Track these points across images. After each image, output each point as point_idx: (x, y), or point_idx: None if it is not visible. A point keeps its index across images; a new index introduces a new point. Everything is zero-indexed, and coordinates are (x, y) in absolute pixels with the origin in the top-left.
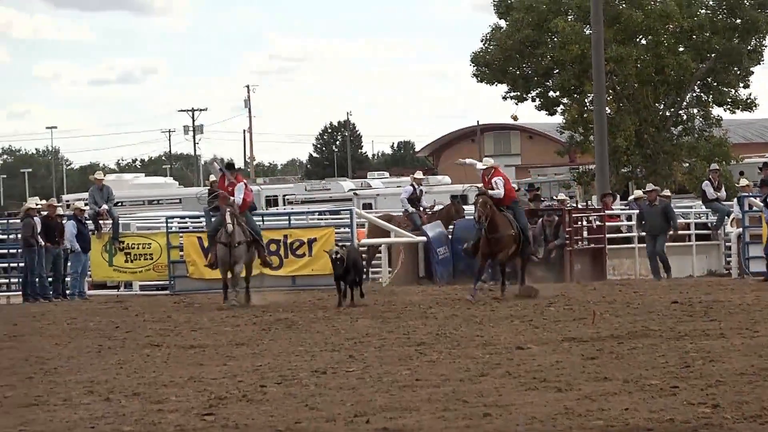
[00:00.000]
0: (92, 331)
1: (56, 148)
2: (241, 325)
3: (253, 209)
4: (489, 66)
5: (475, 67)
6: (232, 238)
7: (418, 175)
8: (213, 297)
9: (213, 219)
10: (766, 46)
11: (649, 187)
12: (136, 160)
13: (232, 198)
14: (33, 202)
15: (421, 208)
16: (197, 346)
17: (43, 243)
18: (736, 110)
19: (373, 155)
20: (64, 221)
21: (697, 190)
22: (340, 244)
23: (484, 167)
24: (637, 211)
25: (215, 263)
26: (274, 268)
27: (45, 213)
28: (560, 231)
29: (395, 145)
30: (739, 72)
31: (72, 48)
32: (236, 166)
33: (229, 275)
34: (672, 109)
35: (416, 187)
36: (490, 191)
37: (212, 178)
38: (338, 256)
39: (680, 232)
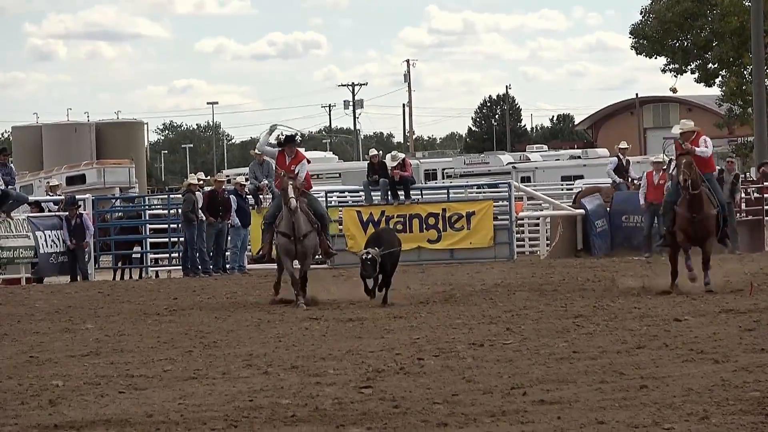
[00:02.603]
0: (251, 305)
1: (217, 123)
2: (397, 297)
3: (412, 183)
4: (648, 38)
5: (635, 40)
6: (297, 230)
7: (623, 145)
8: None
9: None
10: None
11: None
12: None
13: (292, 179)
14: (194, 177)
15: (629, 179)
16: (355, 319)
17: (204, 218)
18: None
19: (532, 128)
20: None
21: None
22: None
23: (681, 131)
24: None
25: (266, 255)
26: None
27: (209, 188)
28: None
29: (554, 118)
30: None
31: (233, 23)
32: (297, 140)
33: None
34: None
35: (621, 157)
36: (696, 149)
37: (372, 152)
38: (369, 257)
39: None
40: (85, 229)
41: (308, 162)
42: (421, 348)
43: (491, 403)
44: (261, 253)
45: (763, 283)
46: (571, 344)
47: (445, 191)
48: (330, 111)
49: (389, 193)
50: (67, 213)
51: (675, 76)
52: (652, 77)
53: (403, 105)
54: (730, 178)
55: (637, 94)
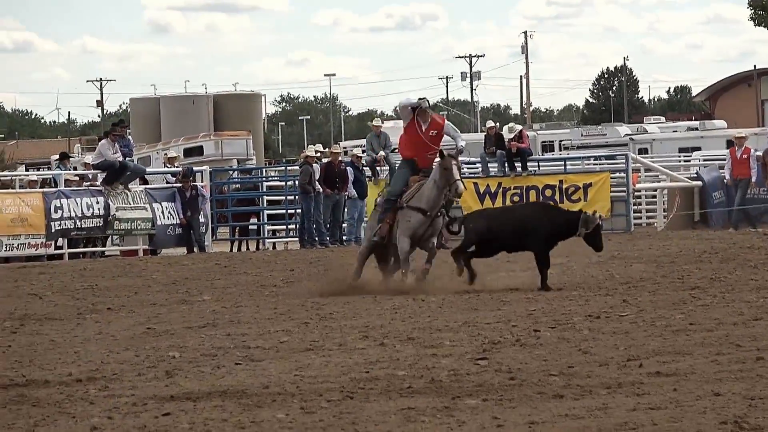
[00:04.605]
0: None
1: (334, 95)
2: (516, 270)
3: (529, 155)
4: (767, 9)
5: (753, 11)
6: (435, 207)
7: None
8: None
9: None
10: None
11: None
12: None
13: (455, 159)
14: (312, 149)
15: None
16: (472, 291)
17: (321, 190)
18: None
19: (650, 100)
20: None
21: None
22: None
23: None
24: None
25: (386, 237)
26: None
27: (326, 160)
28: None
29: (671, 90)
30: None
31: None
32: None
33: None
34: None
35: None
36: None
37: (489, 123)
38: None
39: None
40: (199, 200)
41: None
42: (537, 320)
43: (607, 375)
44: (379, 236)
45: None
46: (687, 316)
47: (562, 163)
48: (447, 83)
49: (506, 164)
50: (181, 185)
51: None
52: None
53: (521, 77)
54: None
55: (755, 66)
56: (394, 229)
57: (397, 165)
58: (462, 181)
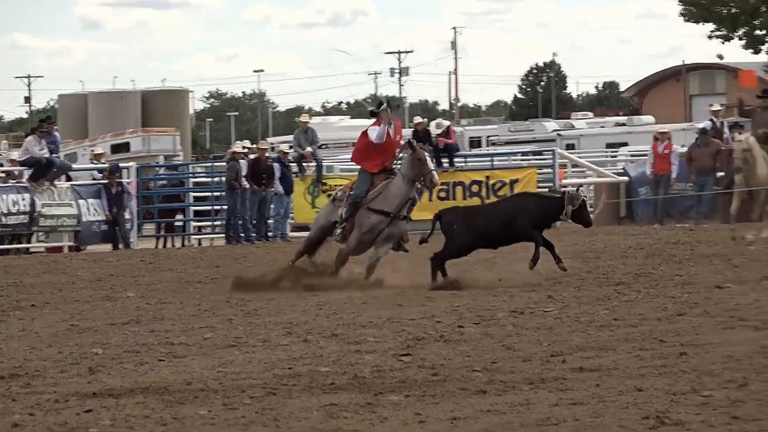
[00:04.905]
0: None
1: (263, 91)
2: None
3: (456, 151)
4: (696, 5)
5: (683, 6)
6: (397, 209)
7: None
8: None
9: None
10: None
11: None
12: (342, 102)
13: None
14: (239, 145)
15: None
16: (397, 287)
17: (248, 186)
18: None
19: (578, 96)
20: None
21: None
22: None
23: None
24: None
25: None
26: None
27: (254, 156)
28: None
29: (600, 86)
30: None
31: None
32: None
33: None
34: None
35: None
36: None
37: (417, 119)
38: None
39: None
40: (125, 197)
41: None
42: (461, 315)
43: (530, 371)
44: (343, 234)
45: None
46: (611, 312)
47: (490, 159)
48: (376, 78)
49: (433, 160)
50: (107, 182)
51: (722, 42)
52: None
53: (449, 73)
54: None
55: (683, 61)
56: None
57: (323, 161)
58: (436, 172)
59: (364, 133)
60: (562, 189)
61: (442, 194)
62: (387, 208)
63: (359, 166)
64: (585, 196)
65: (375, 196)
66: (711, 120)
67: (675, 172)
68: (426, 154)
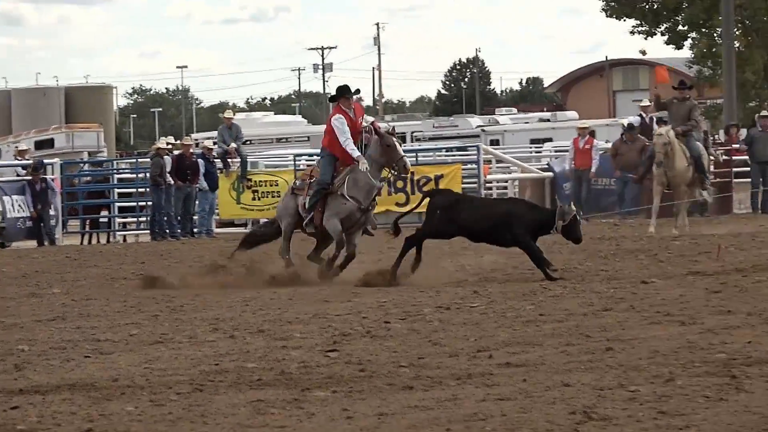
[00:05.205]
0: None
1: (186, 88)
2: (366, 261)
3: None
4: (618, 1)
5: (605, 2)
6: (370, 198)
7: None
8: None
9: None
10: None
11: (764, 112)
12: (266, 98)
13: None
14: (163, 141)
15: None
16: (323, 283)
17: (172, 182)
18: None
19: (502, 91)
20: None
21: None
22: None
23: None
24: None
25: (319, 228)
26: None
27: (178, 152)
28: None
29: (523, 81)
30: None
31: None
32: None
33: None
34: None
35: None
36: None
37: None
38: None
39: None
40: (49, 193)
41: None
42: (387, 311)
43: (457, 366)
44: (313, 225)
45: (730, 245)
46: (537, 307)
47: (414, 154)
48: (300, 74)
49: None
50: (31, 178)
51: (645, 38)
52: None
53: (373, 68)
54: (700, 136)
55: (606, 57)
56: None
57: (248, 156)
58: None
59: (330, 121)
60: (558, 203)
61: None
62: (359, 197)
63: (328, 151)
64: (579, 213)
65: (344, 183)
66: (640, 115)
67: (595, 166)
68: (394, 139)
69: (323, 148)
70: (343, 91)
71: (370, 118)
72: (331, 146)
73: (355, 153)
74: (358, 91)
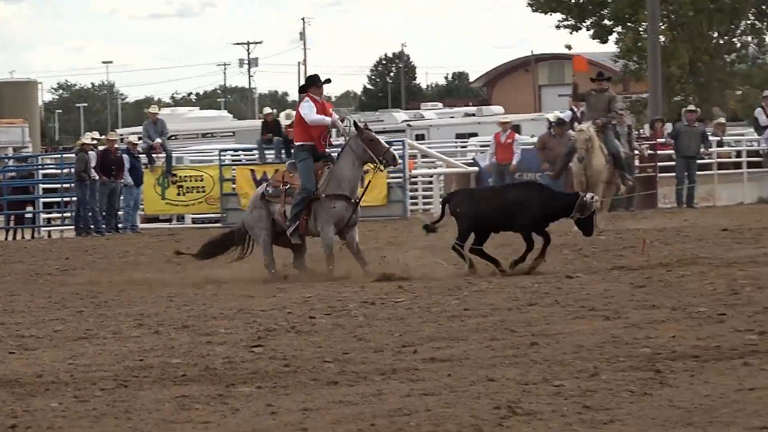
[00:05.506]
0: (143, 264)
1: (111, 83)
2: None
3: None
4: None
5: None
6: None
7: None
8: None
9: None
10: None
11: (691, 107)
12: (191, 93)
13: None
14: (88, 137)
15: None
16: (248, 278)
17: (97, 177)
18: None
19: (427, 86)
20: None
21: (749, 117)
22: None
23: None
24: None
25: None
26: None
27: (103, 147)
28: None
29: (449, 76)
30: None
31: None
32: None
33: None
34: (726, 37)
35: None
36: None
37: (266, 110)
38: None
39: (731, 159)
40: None
41: None
42: (312, 306)
43: (382, 362)
44: (299, 235)
45: (655, 240)
46: (462, 302)
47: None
48: (225, 69)
49: (283, 151)
50: None
51: (570, 32)
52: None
53: (299, 63)
54: (624, 131)
55: (532, 52)
56: (310, 222)
57: (173, 152)
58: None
59: (299, 112)
60: (580, 194)
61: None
62: (346, 192)
63: (304, 147)
64: (596, 206)
65: (327, 183)
66: (571, 109)
67: (516, 160)
68: (374, 132)
69: (297, 145)
70: (314, 80)
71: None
72: (304, 134)
73: (327, 119)
74: (329, 81)
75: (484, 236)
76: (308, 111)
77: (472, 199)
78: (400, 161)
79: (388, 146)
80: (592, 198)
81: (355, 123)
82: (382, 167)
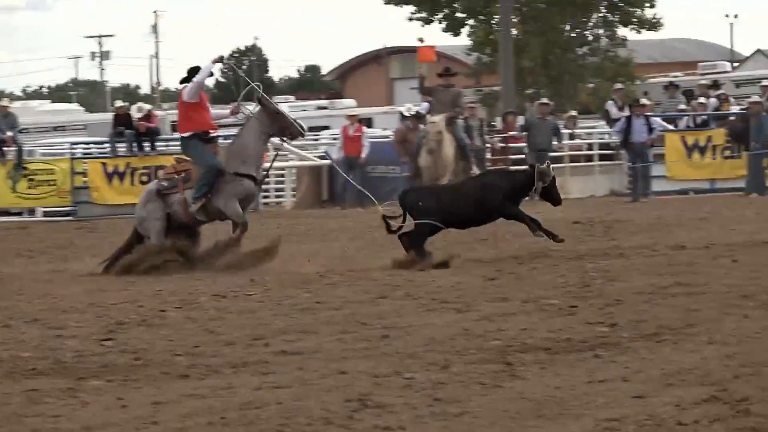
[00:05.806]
0: None
1: None
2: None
3: (158, 134)
4: None
5: None
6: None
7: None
8: (116, 222)
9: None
10: None
11: (543, 100)
12: (43, 87)
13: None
14: None
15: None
16: (101, 272)
17: None
18: (642, 30)
19: (280, 79)
20: None
21: (601, 110)
22: None
23: None
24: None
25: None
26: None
27: None
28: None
29: (301, 69)
30: None
31: None
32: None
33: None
34: (578, 30)
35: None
36: None
37: (118, 103)
38: None
39: (582, 152)
40: None
41: None
42: (164, 300)
43: (233, 355)
44: (203, 210)
45: (507, 233)
46: (314, 295)
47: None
48: (77, 63)
49: (135, 144)
50: None
51: (422, 25)
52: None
53: (151, 56)
54: (477, 124)
55: (384, 45)
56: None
57: (24, 145)
58: None
59: (181, 100)
60: (535, 164)
61: (144, 178)
62: (252, 172)
63: (186, 133)
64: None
65: (229, 158)
66: (429, 102)
67: (365, 153)
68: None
69: (183, 137)
70: (195, 71)
71: (148, 107)
72: (189, 124)
73: (207, 66)
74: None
75: (436, 232)
76: (190, 88)
77: (432, 195)
78: (308, 133)
79: (293, 118)
80: (548, 164)
81: (261, 96)
82: (288, 140)
